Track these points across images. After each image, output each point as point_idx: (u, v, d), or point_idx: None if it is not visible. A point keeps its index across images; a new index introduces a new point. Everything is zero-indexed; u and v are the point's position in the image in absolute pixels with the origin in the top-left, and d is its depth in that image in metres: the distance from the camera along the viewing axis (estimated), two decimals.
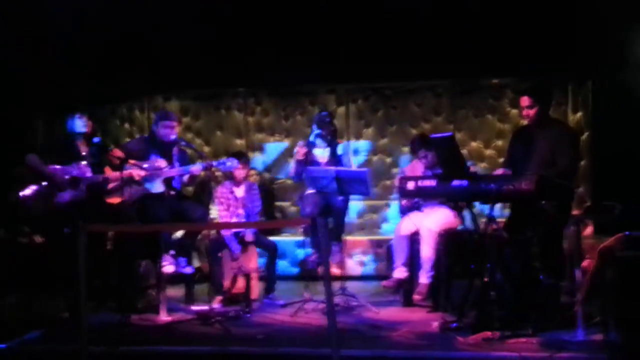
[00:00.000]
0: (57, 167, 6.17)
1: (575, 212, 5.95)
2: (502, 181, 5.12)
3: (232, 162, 6.35)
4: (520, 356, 4.59)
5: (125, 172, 6.14)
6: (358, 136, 8.78)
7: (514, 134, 6.07)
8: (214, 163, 6.34)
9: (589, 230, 7.59)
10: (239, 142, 9.00)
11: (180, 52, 8.11)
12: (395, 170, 8.64)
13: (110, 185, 6.30)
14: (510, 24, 7.51)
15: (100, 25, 7.66)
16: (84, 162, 6.27)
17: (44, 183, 6.16)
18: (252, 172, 8.08)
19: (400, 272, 6.30)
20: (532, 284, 5.35)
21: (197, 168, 6.32)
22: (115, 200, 6.21)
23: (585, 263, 5.43)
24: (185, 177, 6.52)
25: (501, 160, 7.03)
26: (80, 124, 6.36)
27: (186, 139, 7.92)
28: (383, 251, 7.65)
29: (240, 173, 6.80)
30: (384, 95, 8.80)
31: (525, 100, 5.59)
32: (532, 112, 5.57)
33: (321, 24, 7.73)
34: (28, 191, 6.20)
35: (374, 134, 8.80)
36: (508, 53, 7.65)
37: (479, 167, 7.79)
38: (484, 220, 5.38)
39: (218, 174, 7.01)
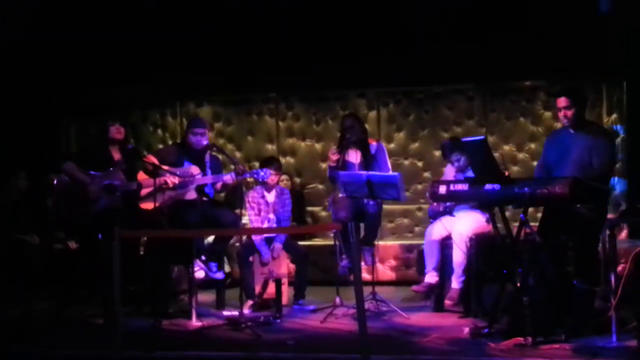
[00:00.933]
0: (94, 173, 6.23)
1: (610, 215, 5.86)
2: (535, 185, 5.05)
3: (265, 173, 6.35)
4: None
5: (159, 179, 6.18)
6: (389, 140, 8.75)
7: (549, 136, 5.98)
8: (247, 173, 6.36)
9: (624, 234, 7.48)
10: (270, 147, 9.03)
11: (212, 58, 8.18)
12: (426, 174, 8.60)
13: (144, 192, 6.35)
14: (542, 25, 7.44)
15: (133, 31, 7.76)
16: (117, 169, 6.32)
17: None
18: (283, 177, 8.09)
19: (431, 277, 6.27)
20: (565, 289, 5.27)
21: (229, 177, 6.34)
22: (148, 206, 6.25)
23: (619, 268, 5.34)
24: (218, 184, 6.55)
25: (535, 163, 6.94)
26: (113, 131, 6.41)
27: (218, 145, 7.97)
28: (414, 256, 7.61)
29: (272, 179, 6.82)
30: (415, 99, 8.77)
31: (562, 102, 5.48)
32: (569, 113, 5.45)
33: (351, 29, 7.74)
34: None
35: (405, 138, 8.76)
36: (540, 55, 7.58)
37: None
38: (515, 224, 5.33)
39: (250, 180, 7.02)
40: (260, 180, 6.45)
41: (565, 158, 5.48)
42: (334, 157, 6.57)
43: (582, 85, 7.21)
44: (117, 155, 6.45)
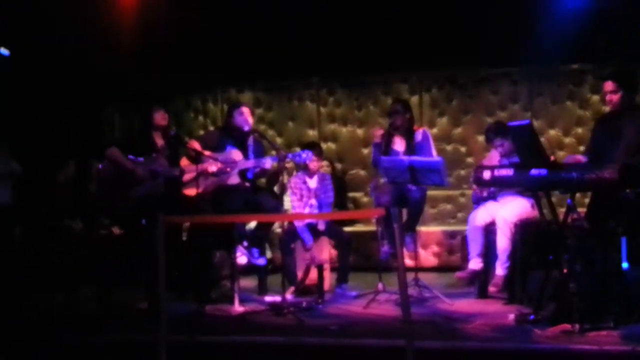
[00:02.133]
0: (138, 159, 6.27)
1: None
2: (583, 170, 4.95)
3: (307, 155, 6.33)
4: (601, 349, 4.42)
5: (201, 166, 6.19)
6: (432, 125, 8.66)
7: (597, 121, 5.85)
8: (289, 155, 6.34)
9: None
10: (312, 133, 9.01)
11: (253, 44, 8.17)
12: (470, 160, 8.49)
13: (186, 178, 6.38)
14: (589, 8, 7.26)
15: (173, 18, 7.79)
16: (160, 155, 6.36)
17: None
18: (323, 163, 8.06)
19: (475, 264, 6.20)
20: (614, 276, 5.16)
21: (271, 161, 6.34)
22: (191, 192, 6.29)
23: None
24: (258, 169, 6.55)
25: (582, 148, 6.81)
26: (158, 117, 6.45)
27: (259, 130, 7.97)
28: (457, 242, 7.54)
29: (314, 165, 6.80)
30: (458, 83, 8.66)
31: (608, 85, 5.37)
32: (615, 97, 5.35)
33: (393, 13, 7.65)
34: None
35: (448, 123, 8.66)
36: (588, 38, 7.41)
37: None
38: (562, 210, 5.23)
39: (289, 165, 7.00)
40: (302, 162, 6.42)
41: (614, 143, 5.35)
42: (378, 133, 6.52)
43: (631, 68, 7.02)
44: (160, 142, 6.49)
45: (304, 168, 6.85)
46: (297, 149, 7.23)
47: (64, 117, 8.09)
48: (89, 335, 5.34)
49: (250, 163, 6.42)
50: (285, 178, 6.48)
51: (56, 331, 5.49)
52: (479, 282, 6.24)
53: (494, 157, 6.46)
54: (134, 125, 8.73)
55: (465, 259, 6.36)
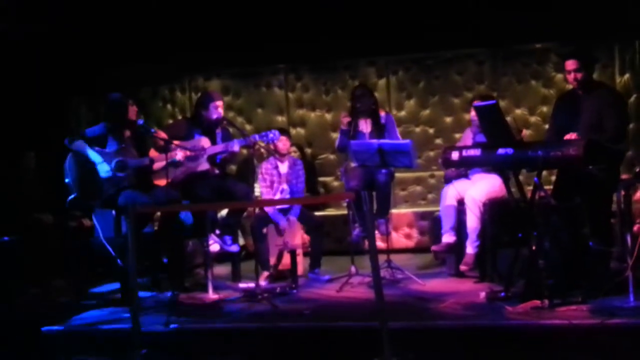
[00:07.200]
0: (105, 150, 6.23)
1: (624, 176, 5.82)
2: (549, 147, 5.01)
3: (274, 134, 6.37)
4: (570, 324, 4.52)
5: (169, 155, 6.16)
6: (400, 108, 8.70)
7: (558, 99, 5.92)
8: (257, 136, 6.36)
9: (639, 194, 7.43)
10: (281, 119, 9.01)
11: (220, 31, 8.13)
12: (438, 141, 8.55)
13: (155, 167, 6.35)
14: None
15: (140, 8, 7.72)
16: (129, 146, 6.32)
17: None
18: (292, 149, 8.07)
19: (448, 237, 6.25)
20: (581, 251, 5.25)
21: (238, 143, 6.34)
22: (161, 182, 6.26)
23: (635, 228, 5.31)
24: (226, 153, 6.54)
25: (547, 126, 6.88)
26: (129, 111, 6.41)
27: (227, 118, 7.94)
28: (428, 223, 7.61)
29: (284, 145, 6.81)
30: (425, 65, 8.68)
31: (571, 64, 5.40)
32: (579, 75, 5.39)
33: None
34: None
35: (415, 105, 8.71)
36: (550, 16, 7.48)
37: None
38: (529, 188, 5.30)
39: (262, 151, 7.00)
40: (270, 142, 6.45)
41: (575, 120, 5.43)
42: (346, 120, 6.58)
43: (593, 45, 7.11)
44: (127, 133, 6.44)
45: (274, 153, 6.85)
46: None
47: (29, 109, 7.97)
48: (63, 327, 5.32)
49: (218, 148, 6.41)
50: (255, 164, 6.49)
51: (32, 323, 5.46)
52: (454, 256, 6.30)
53: (467, 138, 6.52)
54: (100, 117, 8.65)
55: (436, 240, 6.42)
